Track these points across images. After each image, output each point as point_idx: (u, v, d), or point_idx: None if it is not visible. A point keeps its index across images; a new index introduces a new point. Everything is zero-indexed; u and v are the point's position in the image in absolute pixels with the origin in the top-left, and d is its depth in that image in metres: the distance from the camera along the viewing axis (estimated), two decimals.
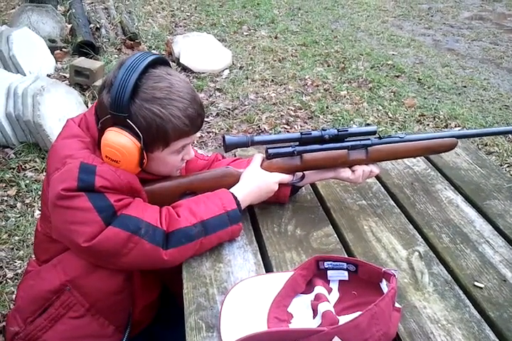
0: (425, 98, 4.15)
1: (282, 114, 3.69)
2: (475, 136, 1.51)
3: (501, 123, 3.80)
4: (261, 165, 1.34)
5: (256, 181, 1.31)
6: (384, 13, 6.59)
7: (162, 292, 1.45)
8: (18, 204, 2.59)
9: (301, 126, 3.55)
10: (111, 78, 1.15)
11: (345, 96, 4.02)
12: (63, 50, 4.12)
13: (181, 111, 1.16)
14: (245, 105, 3.77)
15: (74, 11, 4.48)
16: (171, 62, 4.30)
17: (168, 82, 1.16)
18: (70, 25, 4.35)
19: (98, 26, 4.48)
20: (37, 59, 3.73)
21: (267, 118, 3.59)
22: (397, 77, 4.52)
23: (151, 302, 1.40)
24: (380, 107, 3.89)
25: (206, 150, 2.69)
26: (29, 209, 2.57)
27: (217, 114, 3.64)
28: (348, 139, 1.35)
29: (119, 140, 1.14)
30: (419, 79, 4.51)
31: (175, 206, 1.24)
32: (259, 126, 3.50)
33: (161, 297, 1.45)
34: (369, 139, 1.37)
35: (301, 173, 1.38)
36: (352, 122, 3.62)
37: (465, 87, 4.46)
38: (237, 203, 1.24)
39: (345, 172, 1.37)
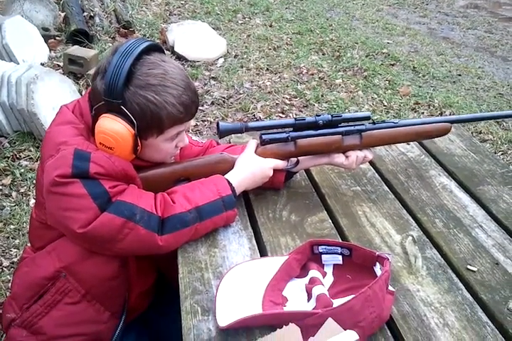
0: (420, 86, 4.15)
1: (277, 102, 3.68)
2: (468, 120, 1.52)
3: (495, 111, 3.81)
4: (255, 151, 1.34)
5: (250, 167, 1.31)
6: (379, 2, 6.56)
7: (158, 279, 1.46)
8: (13, 193, 2.59)
9: (296, 115, 3.55)
10: (105, 64, 1.14)
11: (340, 85, 4.02)
12: (57, 38, 4.08)
13: (175, 98, 1.16)
14: (240, 94, 3.76)
15: None
16: (165, 51, 4.22)
17: (163, 68, 1.16)
18: (63, 14, 4.30)
19: (92, 14, 4.43)
20: (30, 47, 3.70)
21: (262, 106, 3.59)
22: (392, 65, 4.52)
23: (146, 288, 1.41)
24: (375, 95, 3.89)
25: (201, 137, 2.68)
26: (24, 198, 2.56)
27: (212, 103, 3.63)
28: (342, 125, 1.36)
29: (112, 126, 1.14)
30: (414, 67, 4.50)
31: (170, 192, 1.24)
32: (254, 115, 3.50)
33: (156, 284, 1.46)
34: (363, 124, 1.37)
35: (295, 159, 1.39)
36: (347, 110, 3.62)
37: (460, 75, 4.46)
38: (232, 189, 1.25)
39: (339, 158, 1.38)
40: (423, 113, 3.69)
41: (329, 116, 1.33)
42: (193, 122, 3.32)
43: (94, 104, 1.17)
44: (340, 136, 1.35)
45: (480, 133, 3.46)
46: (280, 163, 1.35)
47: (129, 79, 1.12)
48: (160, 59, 1.17)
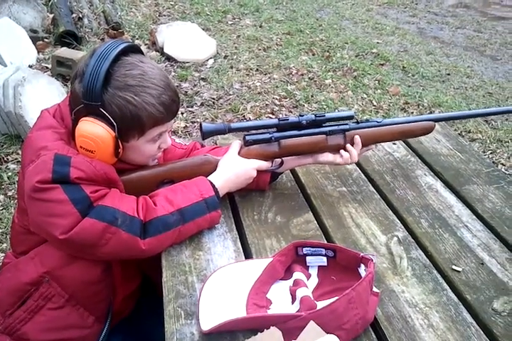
0: (409, 86, 4.15)
1: (267, 103, 3.67)
2: (451, 118, 1.52)
3: None
4: (239, 153, 1.33)
5: (233, 168, 1.30)
6: (369, 1, 6.57)
7: (142, 281, 1.45)
8: (1, 197, 2.56)
9: (286, 115, 3.54)
10: (82, 67, 1.13)
11: (330, 85, 4.01)
12: (45, 40, 4.06)
13: (155, 98, 1.15)
14: (230, 94, 3.75)
15: (56, 0, 4.41)
16: (154, 52, 4.19)
17: (141, 69, 1.15)
18: (51, 15, 4.28)
19: (80, 16, 4.41)
20: (18, 49, 3.68)
21: (251, 107, 3.58)
22: (382, 65, 4.52)
23: (131, 292, 1.39)
24: (365, 95, 3.89)
25: (190, 139, 2.67)
26: (12, 201, 2.54)
27: (202, 104, 3.62)
28: (326, 124, 1.35)
29: (92, 130, 1.12)
30: (403, 67, 4.51)
31: (152, 195, 1.23)
32: (244, 116, 3.49)
33: (141, 286, 1.45)
34: (347, 124, 1.37)
35: (279, 160, 1.38)
36: (337, 111, 3.62)
37: (449, 74, 4.47)
38: (215, 190, 1.24)
39: (324, 157, 1.37)
40: (412, 113, 3.70)
41: (312, 115, 1.33)
42: (182, 123, 3.31)
43: (74, 107, 1.15)
44: (325, 135, 1.35)
45: (469, 132, 3.47)
46: (264, 164, 1.34)
47: (107, 81, 1.11)
48: (138, 60, 1.15)
